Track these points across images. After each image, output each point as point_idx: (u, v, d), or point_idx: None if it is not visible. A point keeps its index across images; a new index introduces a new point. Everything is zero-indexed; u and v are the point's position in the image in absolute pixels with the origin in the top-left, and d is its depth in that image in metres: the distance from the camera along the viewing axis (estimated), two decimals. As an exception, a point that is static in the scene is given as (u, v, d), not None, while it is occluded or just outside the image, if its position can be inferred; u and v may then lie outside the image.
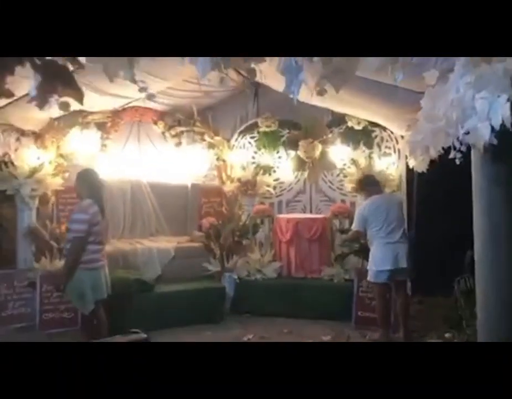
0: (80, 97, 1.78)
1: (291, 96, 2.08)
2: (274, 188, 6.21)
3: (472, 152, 2.61)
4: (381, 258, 3.97)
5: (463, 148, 2.49)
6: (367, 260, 4.92)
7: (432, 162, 4.43)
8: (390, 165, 5.74)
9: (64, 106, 2.44)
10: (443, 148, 3.57)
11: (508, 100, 1.88)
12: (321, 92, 2.33)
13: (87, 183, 3.54)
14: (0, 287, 4.57)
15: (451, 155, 2.71)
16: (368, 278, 4.10)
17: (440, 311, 4.99)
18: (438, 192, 5.53)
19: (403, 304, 4.18)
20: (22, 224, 4.89)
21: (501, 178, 2.38)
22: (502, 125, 1.96)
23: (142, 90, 4.11)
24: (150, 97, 4.37)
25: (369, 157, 5.73)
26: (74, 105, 4.82)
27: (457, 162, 2.69)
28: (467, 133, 2.16)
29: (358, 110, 5.27)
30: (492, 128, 1.98)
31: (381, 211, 4.06)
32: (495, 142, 2.15)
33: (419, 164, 4.63)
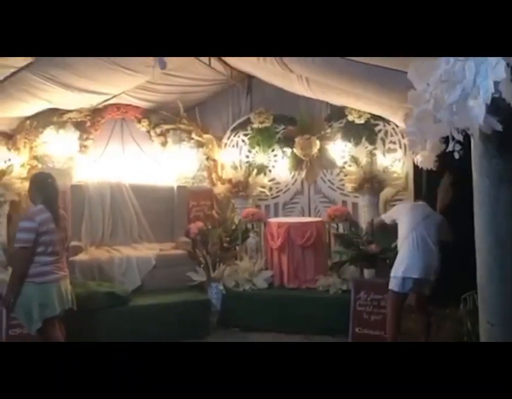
0: None
1: None
2: (270, 189, 5.74)
3: (472, 142, 2.08)
4: (410, 264, 3.49)
5: (460, 138, 1.97)
6: (367, 268, 4.46)
7: (440, 157, 3.91)
8: (395, 162, 5.19)
9: None
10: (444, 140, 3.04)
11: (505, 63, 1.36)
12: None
13: (39, 187, 3.18)
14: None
15: (449, 148, 2.19)
16: (391, 286, 3.60)
17: (450, 325, 4.46)
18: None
19: (424, 320, 3.78)
20: (-8, 232, 4.56)
21: (507, 177, 1.85)
22: (502, 101, 1.44)
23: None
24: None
25: (372, 153, 5.18)
26: (48, 104, 4.54)
27: (456, 156, 2.16)
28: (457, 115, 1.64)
29: (359, 101, 4.75)
30: (487, 106, 1.46)
31: (417, 214, 3.63)
32: (496, 126, 1.63)
33: (424, 160, 4.10)
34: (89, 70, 3.96)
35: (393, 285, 3.59)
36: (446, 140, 2.89)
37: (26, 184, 4.62)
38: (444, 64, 1.77)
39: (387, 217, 3.88)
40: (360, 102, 4.73)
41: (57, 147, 5.03)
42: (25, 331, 4.15)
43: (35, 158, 4.92)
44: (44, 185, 3.16)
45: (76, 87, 4.32)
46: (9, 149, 4.75)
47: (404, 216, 3.68)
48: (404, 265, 3.53)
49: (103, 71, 4.10)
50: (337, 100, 5.00)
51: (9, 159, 4.69)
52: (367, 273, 4.44)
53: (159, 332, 4.18)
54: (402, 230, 3.66)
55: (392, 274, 3.62)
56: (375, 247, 4.32)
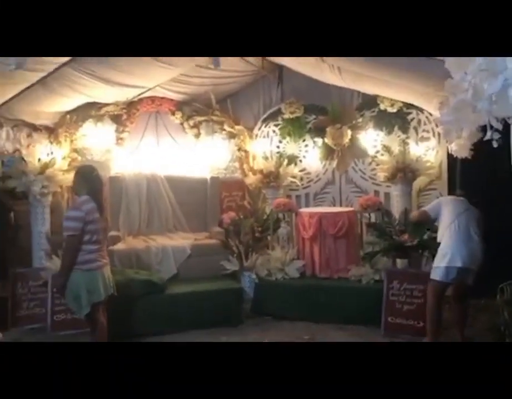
0: None
1: None
2: (300, 179, 5.76)
3: (512, 130, 2.07)
4: (454, 253, 3.50)
5: (498, 126, 1.96)
6: (400, 259, 4.45)
7: (476, 145, 3.85)
8: (428, 151, 5.11)
9: None
10: (481, 128, 3.00)
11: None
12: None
13: (84, 179, 3.33)
14: (16, 286, 4.47)
15: (487, 136, 2.17)
16: (433, 276, 3.62)
17: (485, 316, 4.41)
18: (486, 182, 4.85)
19: (463, 311, 3.76)
20: (36, 222, 4.79)
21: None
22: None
23: None
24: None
25: (404, 142, 5.12)
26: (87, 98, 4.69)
27: (495, 144, 2.15)
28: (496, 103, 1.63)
29: (392, 89, 4.69)
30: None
31: (459, 206, 3.67)
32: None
33: (459, 149, 4.04)
34: (127, 65, 4.09)
35: (436, 274, 3.59)
36: (483, 129, 2.87)
37: (68, 176, 4.89)
38: (483, 53, 1.76)
39: (431, 210, 3.85)
40: (393, 91, 4.68)
41: (96, 139, 5.21)
42: (69, 317, 4.43)
43: (75, 150, 5.11)
44: (90, 177, 3.31)
45: (115, 82, 4.47)
46: (51, 143, 4.95)
47: (446, 207, 3.69)
48: (448, 254, 3.53)
49: (140, 66, 4.22)
50: (369, 88, 4.96)
51: (51, 152, 4.89)
52: (400, 263, 4.43)
53: (194, 319, 4.31)
54: (444, 220, 3.66)
55: (434, 264, 3.64)
56: (408, 237, 4.30)
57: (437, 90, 3.85)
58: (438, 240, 3.71)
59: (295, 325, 4.44)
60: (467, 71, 1.94)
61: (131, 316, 4.12)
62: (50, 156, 4.85)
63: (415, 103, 4.97)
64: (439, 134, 5.11)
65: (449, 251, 3.53)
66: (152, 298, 4.26)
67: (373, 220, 4.94)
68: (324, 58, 3.97)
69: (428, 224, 4.11)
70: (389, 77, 4.05)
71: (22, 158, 4.68)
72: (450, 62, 2.06)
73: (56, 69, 4.01)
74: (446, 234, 3.61)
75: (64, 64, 3.94)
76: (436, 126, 5.11)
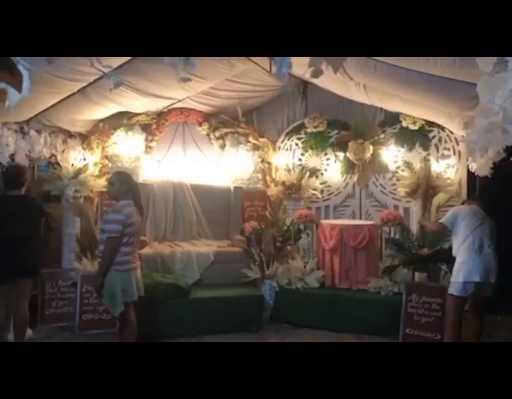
0: (18, 83, 1.56)
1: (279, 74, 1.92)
2: (321, 191, 5.90)
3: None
4: (471, 268, 3.57)
5: (525, 148, 2.09)
6: (419, 272, 4.54)
7: (496, 165, 3.96)
8: (449, 169, 5.23)
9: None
10: (505, 149, 3.13)
11: None
12: (316, 74, 2.07)
13: (125, 184, 3.49)
14: (46, 285, 4.65)
15: None
16: (451, 291, 3.69)
17: (502, 331, 4.47)
18: (505, 199, 4.95)
19: (477, 327, 3.78)
20: (68, 224, 4.99)
21: None
22: None
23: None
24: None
25: (426, 159, 5.24)
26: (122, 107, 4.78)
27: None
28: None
29: (415, 108, 4.84)
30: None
31: (474, 219, 3.71)
32: None
33: (481, 167, 4.16)
34: (162, 77, 4.28)
35: (454, 289, 3.65)
36: (507, 149, 3.00)
37: (99, 182, 5.11)
38: (513, 79, 1.90)
39: (448, 222, 3.84)
40: (416, 109, 4.82)
41: (126, 147, 5.43)
42: (96, 317, 4.61)
43: (106, 157, 5.33)
44: (130, 182, 3.50)
45: (149, 93, 4.67)
46: (84, 149, 5.18)
47: (463, 220, 3.72)
48: (465, 269, 3.58)
49: (172, 78, 4.40)
50: (393, 106, 5.10)
51: (84, 159, 5.12)
52: (419, 276, 4.53)
53: (216, 323, 4.45)
54: (460, 234, 3.71)
55: (452, 279, 3.69)
56: (427, 251, 4.40)
57: (461, 110, 4.00)
58: (454, 254, 3.78)
59: (314, 333, 4.55)
60: (498, 94, 2.07)
61: (156, 318, 4.27)
62: (82, 162, 5.07)
63: (438, 122, 5.09)
64: (459, 152, 5.23)
65: (465, 266, 3.59)
66: (176, 301, 4.40)
67: (393, 233, 5.04)
68: (353, 76, 4.13)
69: (444, 236, 4.20)
70: (414, 97, 4.19)
71: (58, 163, 4.90)
72: (481, 87, 2.19)
73: (96, 80, 4.22)
74: (461, 249, 3.67)
75: (102, 76, 4.15)
76: (457, 143, 5.24)
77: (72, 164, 5.02)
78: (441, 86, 3.43)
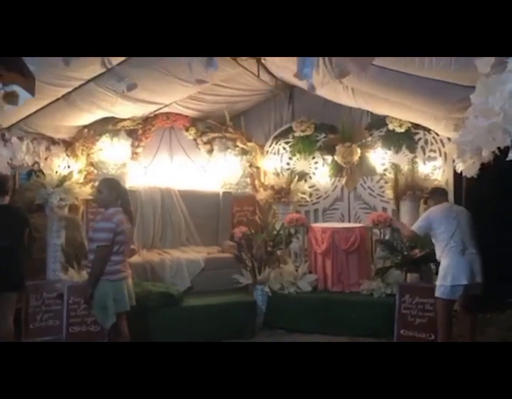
0: (30, 85, 1.50)
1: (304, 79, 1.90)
2: (310, 195, 5.91)
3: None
4: (457, 272, 3.55)
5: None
6: (411, 273, 4.56)
7: (484, 165, 4.01)
8: (435, 170, 5.29)
9: (10, 97, 1.92)
10: (499, 149, 3.16)
11: None
12: (342, 74, 2.08)
13: (113, 191, 3.39)
14: (30, 298, 4.48)
15: (510, 157, 2.32)
16: (439, 294, 3.65)
17: (495, 330, 4.51)
18: (490, 200, 5.04)
19: (471, 324, 3.78)
20: (52, 234, 4.83)
21: None
22: None
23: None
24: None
25: (413, 161, 5.29)
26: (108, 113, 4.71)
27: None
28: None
29: (402, 111, 4.88)
30: None
31: (451, 220, 3.67)
32: None
33: (468, 168, 4.20)
34: (150, 82, 4.21)
35: (441, 293, 3.62)
36: (499, 150, 3.02)
37: (85, 189, 4.97)
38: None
39: (420, 230, 3.80)
40: (403, 112, 4.86)
41: (112, 153, 5.31)
42: (84, 329, 4.46)
43: (92, 164, 5.20)
44: (119, 189, 3.41)
45: (136, 98, 4.58)
46: (68, 156, 5.03)
47: (439, 225, 3.67)
48: (451, 273, 3.56)
49: (162, 84, 4.35)
50: (380, 109, 5.14)
51: (68, 166, 4.97)
52: (410, 277, 4.55)
53: (208, 331, 4.36)
54: (440, 241, 3.68)
55: (438, 282, 3.66)
56: (419, 252, 4.43)
57: (448, 113, 4.05)
58: (437, 258, 3.75)
59: (308, 337, 4.51)
60: (497, 96, 2.08)
61: (147, 328, 4.17)
62: (67, 169, 4.93)
63: (424, 124, 5.16)
64: (445, 153, 5.30)
65: (451, 270, 3.57)
66: (168, 310, 4.32)
67: (383, 235, 5.06)
68: (343, 79, 4.12)
69: (418, 241, 4.21)
70: (403, 100, 4.22)
71: (41, 171, 4.75)
72: (480, 87, 2.21)
73: (81, 85, 4.12)
74: (444, 253, 3.65)
75: (89, 80, 4.06)
76: (443, 145, 5.31)
77: (56, 172, 4.86)
78: (430, 89, 3.47)
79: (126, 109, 4.86)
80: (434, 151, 5.41)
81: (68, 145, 5.14)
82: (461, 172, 4.60)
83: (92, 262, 3.22)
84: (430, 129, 5.32)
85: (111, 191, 3.36)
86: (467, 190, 5.12)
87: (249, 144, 5.88)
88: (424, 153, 5.43)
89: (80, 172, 5.07)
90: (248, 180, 5.91)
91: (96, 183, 5.01)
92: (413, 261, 4.43)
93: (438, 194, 4.00)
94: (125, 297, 3.33)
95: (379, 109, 5.12)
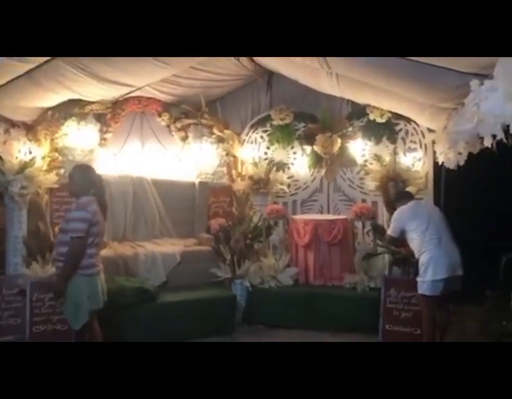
0: None
1: None
2: (288, 186, 5.72)
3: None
4: (437, 266, 3.48)
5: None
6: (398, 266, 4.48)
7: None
8: (416, 162, 5.23)
9: None
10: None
11: None
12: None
13: (85, 179, 3.11)
14: (-13, 295, 4.10)
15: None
16: (421, 291, 3.58)
17: (475, 323, 4.53)
18: (469, 191, 5.05)
19: (445, 318, 3.73)
20: (12, 225, 4.42)
21: None
22: None
23: None
24: None
25: (394, 152, 5.21)
26: (75, 95, 4.45)
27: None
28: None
29: (386, 99, 4.74)
30: None
31: (421, 213, 3.65)
32: None
33: (453, 159, 4.15)
34: (123, 63, 3.86)
35: (424, 289, 3.57)
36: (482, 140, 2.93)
37: (49, 177, 4.57)
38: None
39: (395, 233, 3.78)
40: (387, 101, 4.74)
41: (78, 139, 4.90)
42: (49, 327, 4.11)
43: (56, 150, 4.77)
44: (91, 177, 3.13)
45: (107, 79, 4.21)
46: (30, 141, 4.60)
47: (411, 222, 3.65)
48: (431, 267, 3.51)
49: (136, 64, 4.00)
50: (363, 97, 5.00)
51: (30, 152, 4.54)
52: (396, 270, 4.47)
53: (186, 328, 4.16)
54: (416, 234, 3.63)
55: (420, 278, 3.60)
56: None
57: (439, 101, 3.94)
58: (416, 256, 3.69)
59: (290, 333, 4.38)
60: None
61: (121, 326, 3.90)
62: (28, 155, 4.50)
63: (406, 114, 5.07)
64: (425, 145, 5.26)
65: (430, 265, 3.52)
66: (143, 306, 4.06)
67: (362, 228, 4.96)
68: (332, 64, 3.94)
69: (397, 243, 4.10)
70: (395, 88, 4.07)
71: (-1, 156, 4.31)
72: (499, 71, 2.07)
73: (46, 61, 3.73)
74: (423, 246, 3.60)
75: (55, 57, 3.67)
76: (423, 137, 5.26)
77: (16, 157, 4.43)
78: (429, 75, 3.32)
79: (94, 91, 4.47)
80: (415, 142, 5.34)
81: (30, 128, 4.70)
82: (442, 164, 4.59)
83: (66, 255, 2.93)
84: (410, 120, 5.25)
85: (84, 179, 3.09)
86: (446, 183, 5.11)
87: (225, 132, 5.62)
88: (405, 144, 5.35)
89: (43, 158, 4.64)
90: (224, 170, 5.65)
91: (62, 171, 4.69)
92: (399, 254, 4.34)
93: (406, 197, 3.93)
94: (99, 293, 3.09)
95: (363, 97, 4.99)
